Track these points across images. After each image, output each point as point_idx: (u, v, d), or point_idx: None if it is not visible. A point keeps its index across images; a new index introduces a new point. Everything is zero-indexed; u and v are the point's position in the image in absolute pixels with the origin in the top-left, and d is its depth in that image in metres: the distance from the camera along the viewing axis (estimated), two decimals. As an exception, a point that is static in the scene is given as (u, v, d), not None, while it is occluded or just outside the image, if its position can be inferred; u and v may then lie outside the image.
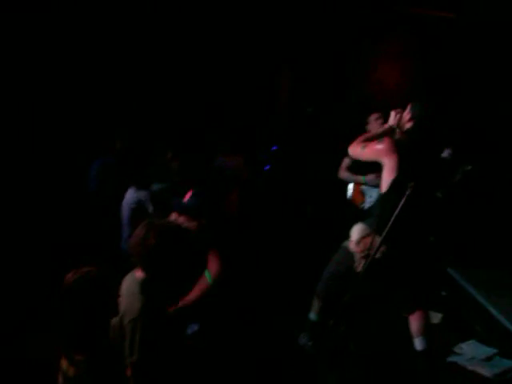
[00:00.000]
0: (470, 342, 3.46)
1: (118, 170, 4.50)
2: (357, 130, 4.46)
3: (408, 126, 2.90)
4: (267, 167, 5.64)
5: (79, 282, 1.83)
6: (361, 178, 4.30)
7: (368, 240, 2.80)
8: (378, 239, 2.57)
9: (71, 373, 1.83)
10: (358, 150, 2.97)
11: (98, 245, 4.01)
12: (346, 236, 3.09)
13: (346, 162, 4.40)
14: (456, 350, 3.37)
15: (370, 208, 4.03)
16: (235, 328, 3.33)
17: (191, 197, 2.97)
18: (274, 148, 5.70)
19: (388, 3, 5.27)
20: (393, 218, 2.37)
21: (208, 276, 2.62)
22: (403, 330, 3.07)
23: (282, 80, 5.89)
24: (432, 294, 3.83)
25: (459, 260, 4.22)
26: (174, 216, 2.90)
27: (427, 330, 3.04)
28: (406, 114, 2.92)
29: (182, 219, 2.83)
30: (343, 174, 4.42)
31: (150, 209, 3.90)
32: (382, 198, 2.87)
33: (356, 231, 2.96)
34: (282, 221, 5.10)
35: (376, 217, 2.85)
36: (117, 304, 1.93)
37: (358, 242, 2.90)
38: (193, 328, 2.76)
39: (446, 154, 3.64)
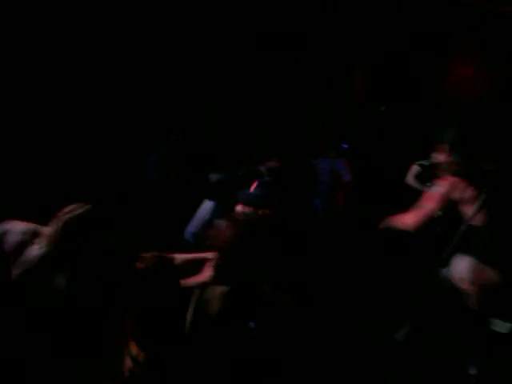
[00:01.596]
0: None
1: (171, 160, 4.87)
2: (429, 132, 4.41)
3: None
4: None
5: (151, 267, 1.99)
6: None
7: (483, 274, 2.71)
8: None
9: (141, 358, 1.93)
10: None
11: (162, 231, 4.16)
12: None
13: (414, 168, 4.34)
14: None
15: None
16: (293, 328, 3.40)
17: (256, 187, 3.07)
18: (344, 146, 5.69)
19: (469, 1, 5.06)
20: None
21: None
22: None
23: (356, 79, 5.86)
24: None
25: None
26: (239, 207, 2.96)
27: None
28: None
29: (247, 210, 2.91)
30: (410, 180, 4.36)
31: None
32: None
33: (465, 269, 2.78)
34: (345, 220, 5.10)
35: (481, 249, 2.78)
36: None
37: (473, 281, 2.73)
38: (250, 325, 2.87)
39: None
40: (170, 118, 5.15)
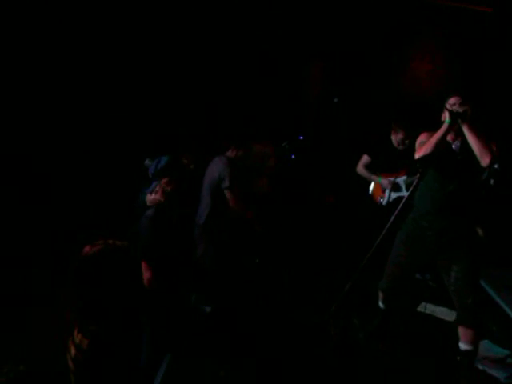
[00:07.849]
0: (484, 341, 3.45)
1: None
2: (383, 126, 4.51)
3: None
4: (293, 156, 5.65)
5: (99, 254, 1.86)
6: (377, 179, 4.35)
7: None
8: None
9: (85, 345, 1.83)
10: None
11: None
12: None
13: (364, 159, 4.45)
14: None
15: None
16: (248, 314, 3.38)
17: None
18: (300, 137, 5.69)
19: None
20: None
21: None
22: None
23: (312, 70, 5.86)
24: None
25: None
26: None
27: None
28: None
29: None
30: (360, 169, 4.47)
31: None
32: None
33: None
34: (302, 209, 5.12)
35: None
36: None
37: None
38: (205, 309, 2.85)
39: None
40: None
